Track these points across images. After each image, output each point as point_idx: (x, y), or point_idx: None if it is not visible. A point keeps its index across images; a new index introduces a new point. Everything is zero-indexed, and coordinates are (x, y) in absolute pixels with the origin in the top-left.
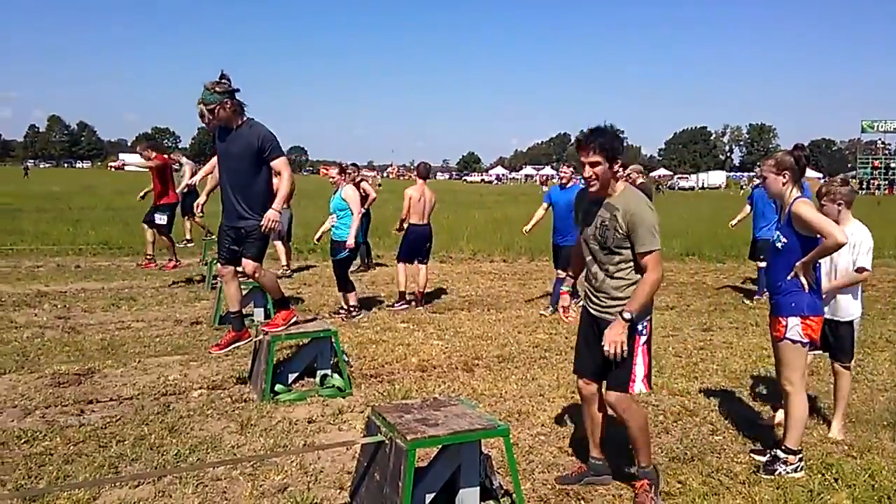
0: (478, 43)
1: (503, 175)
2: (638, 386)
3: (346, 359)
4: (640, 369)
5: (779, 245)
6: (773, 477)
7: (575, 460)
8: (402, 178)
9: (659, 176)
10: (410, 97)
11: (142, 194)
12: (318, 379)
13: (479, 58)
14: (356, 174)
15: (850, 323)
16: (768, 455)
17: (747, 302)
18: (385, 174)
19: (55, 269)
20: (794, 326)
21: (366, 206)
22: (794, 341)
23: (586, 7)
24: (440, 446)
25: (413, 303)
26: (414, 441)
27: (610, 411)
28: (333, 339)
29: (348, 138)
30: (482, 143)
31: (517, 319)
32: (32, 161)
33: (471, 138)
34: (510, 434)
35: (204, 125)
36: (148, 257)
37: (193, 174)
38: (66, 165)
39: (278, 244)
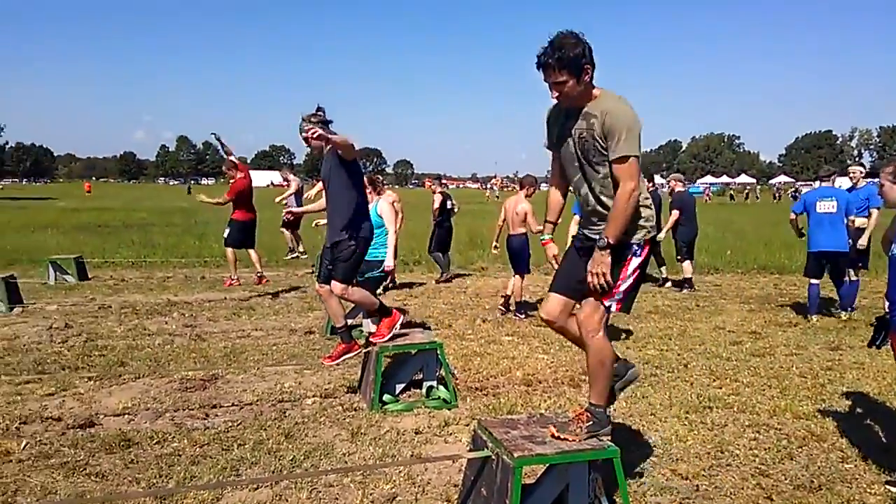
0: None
1: None
2: (610, 302)
3: (452, 371)
4: (622, 286)
5: None
6: None
7: (690, 484)
8: (505, 189)
9: (780, 183)
10: (514, 108)
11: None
12: (424, 390)
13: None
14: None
15: None
16: None
17: None
18: (489, 186)
19: (183, 279)
20: None
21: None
22: None
23: (695, 7)
24: (547, 464)
25: (505, 311)
26: (521, 458)
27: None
28: (439, 352)
29: (453, 151)
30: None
31: (625, 334)
32: (164, 178)
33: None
34: (620, 455)
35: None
36: (258, 274)
37: (298, 190)
38: (192, 182)
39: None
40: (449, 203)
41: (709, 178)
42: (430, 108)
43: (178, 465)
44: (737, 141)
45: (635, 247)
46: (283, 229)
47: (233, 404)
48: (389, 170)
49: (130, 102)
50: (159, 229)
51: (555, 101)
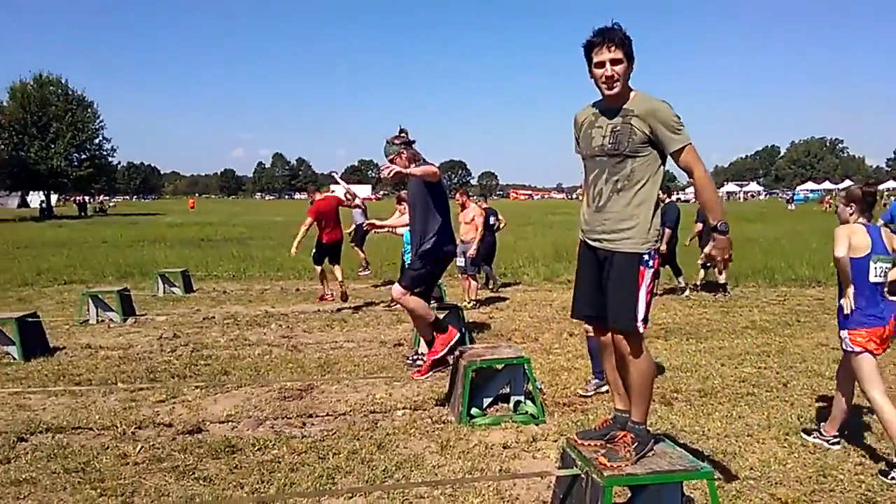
0: (674, 52)
1: None
2: (639, 323)
3: (539, 386)
4: (642, 306)
5: None
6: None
7: None
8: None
9: (890, 189)
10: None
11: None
12: (511, 405)
13: (676, 66)
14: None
15: None
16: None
17: None
18: (574, 196)
19: (279, 292)
20: (844, 339)
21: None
22: (846, 351)
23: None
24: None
25: None
26: (611, 478)
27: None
28: (526, 366)
29: (538, 161)
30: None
31: (720, 350)
32: (260, 193)
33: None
34: (714, 477)
35: None
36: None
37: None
38: (286, 197)
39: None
40: (492, 219)
41: (809, 185)
42: (515, 119)
43: (278, 472)
44: (840, 145)
45: (646, 257)
46: (355, 246)
47: (328, 414)
48: (474, 181)
49: (229, 122)
50: (256, 243)
51: (611, 93)
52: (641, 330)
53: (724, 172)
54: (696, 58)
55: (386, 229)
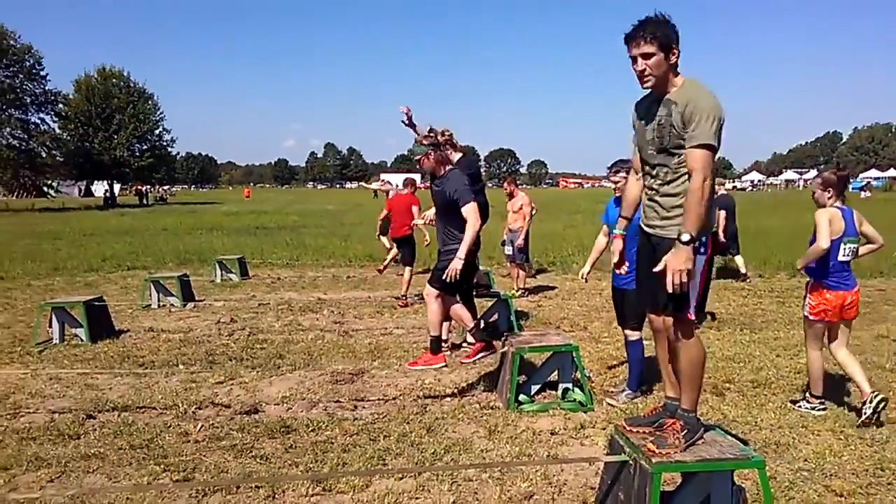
0: (728, 33)
1: (759, 181)
2: (692, 310)
3: (588, 374)
4: (694, 293)
5: None
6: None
7: (845, 501)
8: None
9: None
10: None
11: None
12: (559, 392)
13: (731, 49)
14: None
15: None
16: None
17: None
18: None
19: (331, 279)
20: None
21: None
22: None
23: None
24: (687, 472)
25: None
26: (659, 465)
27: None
28: (574, 354)
29: (588, 149)
30: (734, 145)
31: (775, 341)
32: (312, 182)
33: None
34: (766, 466)
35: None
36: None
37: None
38: (337, 186)
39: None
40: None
41: (873, 172)
42: (566, 105)
43: (331, 452)
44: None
45: (699, 244)
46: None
47: (378, 398)
48: (523, 169)
49: (282, 113)
50: (309, 231)
51: (645, 88)
52: (693, 317)
53: (783, 160)
54: (754, 41)
55: (423, 221)
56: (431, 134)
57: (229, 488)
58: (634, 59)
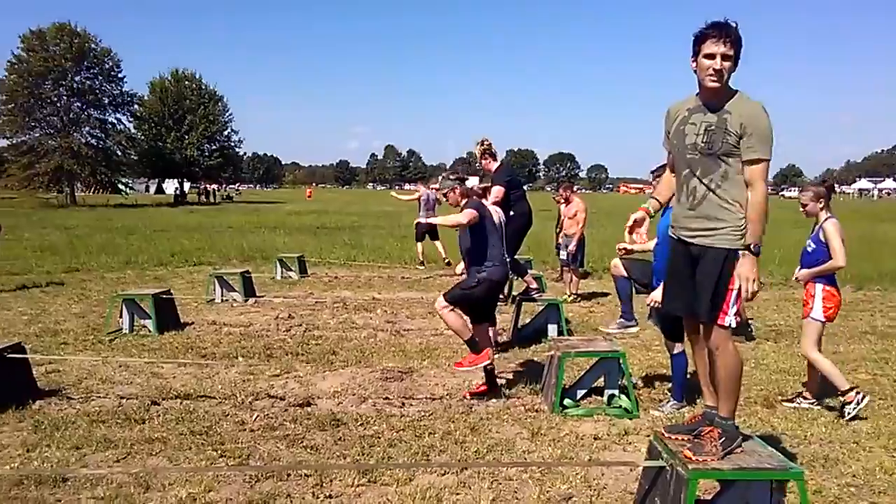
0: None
1: None
2: (729, 319)
3: (634, 381)
4: (733, 300)
5: None
6: None
7: None
8: None
9: None
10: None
11: None
12: (605, 398)
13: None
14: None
15: None
16: None
17: None
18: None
19: (386, 279)
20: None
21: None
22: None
23: None
24: (725, 480)
25: None
26: (696, 471)
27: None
28: (621, 360)
29: (649, 154)
30: (805, 153)
31: (834, 356)
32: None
33: (791, 149)
34: (805, 478)
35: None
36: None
37: (426, 201)
38: (396, 187)
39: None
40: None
41: None
42: (626, 110)
43: (377, 446)
44: None
45: (740, 253)
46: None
47: (425, 396)
48: (583, 174)
49: (346, 116)
50: (367, 231)
51: (710, 87)
52: (730, 324)
53: (856, 168)
54: (828, 47)
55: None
56: (457, 170)
57: (280, 475)
58: (712, 56)
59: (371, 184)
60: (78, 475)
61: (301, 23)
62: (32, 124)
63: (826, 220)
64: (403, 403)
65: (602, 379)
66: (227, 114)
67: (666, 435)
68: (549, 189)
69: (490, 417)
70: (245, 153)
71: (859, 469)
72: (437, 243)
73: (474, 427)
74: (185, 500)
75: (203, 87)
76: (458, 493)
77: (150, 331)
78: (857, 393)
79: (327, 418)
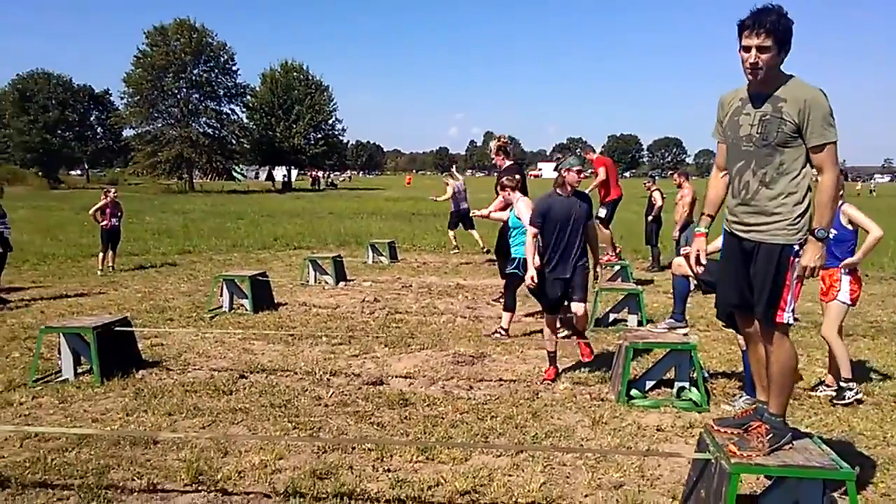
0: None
1: None
2: (787, 315)
3: (706, 374)
4: (791, 296)
5: None
6: None
7: None
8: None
9: None
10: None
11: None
12: (674, 390)
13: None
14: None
15: None
16: None
17: None
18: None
19: (472, 266)
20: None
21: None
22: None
23: None
24: (776, 477)
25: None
26: (738, 465)
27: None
28: (692, 353)
29: None
30: None
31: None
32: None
33: None
34: (856, 479)
35: None
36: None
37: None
38: (495, 174)
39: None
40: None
41: None
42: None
43: (440, 426)
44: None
45: (797, 247)
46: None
47: (494, 381)
48: (690, 160)
49: (446, 102)
50: None
51: (753, 80)
52: (788, 321)
53: None
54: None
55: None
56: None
57: (346, 448)
58: (748, 49)
59: (470, 170)
60: (166, 439)
61: (403, 12)
62: (155, 115)
63: (842, 204)
64: (471, 387)
65: (673, 371)
66: (332, 103)
67: (715, 428)
68: (661, 175)
69: (554, 404)
70: (349, 141)
71: None
72: (474, 232)
73: (536, 412)
74: (258, 466)
75: (310, 77)
76: (510, 475)
77: (246, 309)
78: (857, 385)
79: (397, 397)
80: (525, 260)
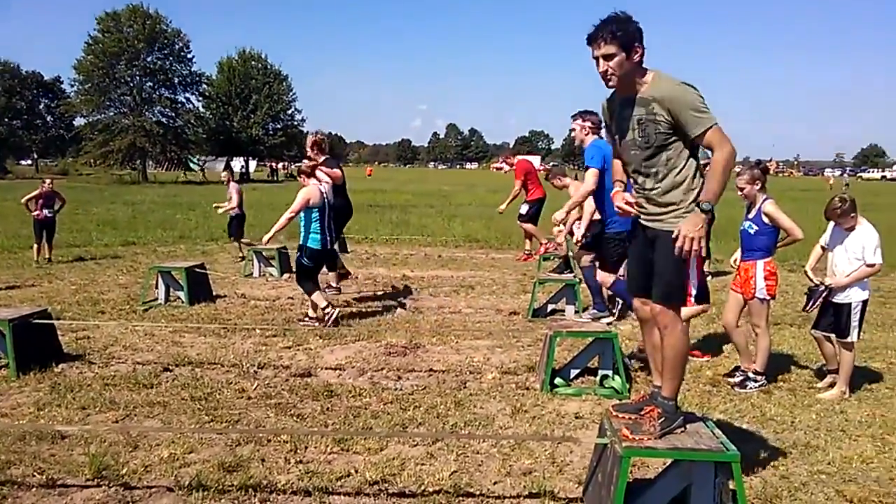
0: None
1: None
2: (694, 292)
3: (628, 362)
4: (685, 282)
5: None
6: None
7: None
8: (781, 174)
9: None
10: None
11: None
12: (598, 378)
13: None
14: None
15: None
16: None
17: None
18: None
19: (423, 257)
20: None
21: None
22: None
23: None
24: (673, 460)
25: None
26: (629, 449)
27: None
28: (614, 342)
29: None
30: (889, 132)
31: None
32: (433, 163)
33: (874, 128)
34: (738, 460)
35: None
36: (526, 251)
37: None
38: (457, 167)
39: None
40: None
41: None
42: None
43: (361, 417)
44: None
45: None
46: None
47: (423, 371)
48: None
49: (410, 93)
50: (418, 210)
51: (610, 88)
52: (683, 306)
53: None
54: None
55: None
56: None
57: (260, 440)
58: (597, 61)
59: (432, 163)
60: (73, 433)
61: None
62: (107, 103)
63: (765, 201)
64: (399, 377)
65: (597, 360)
66: (292, 93)
67: (614, 413)
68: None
69: (480, 394)
70: (308, 132)
71: (837, 457)
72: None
73: (460, 402)
74: (166, 460)
75: (269, 66)
76: (422, 464)
77: (182, 301)
78: (766, 378)
79: (322, 389)
80: (309, 248)
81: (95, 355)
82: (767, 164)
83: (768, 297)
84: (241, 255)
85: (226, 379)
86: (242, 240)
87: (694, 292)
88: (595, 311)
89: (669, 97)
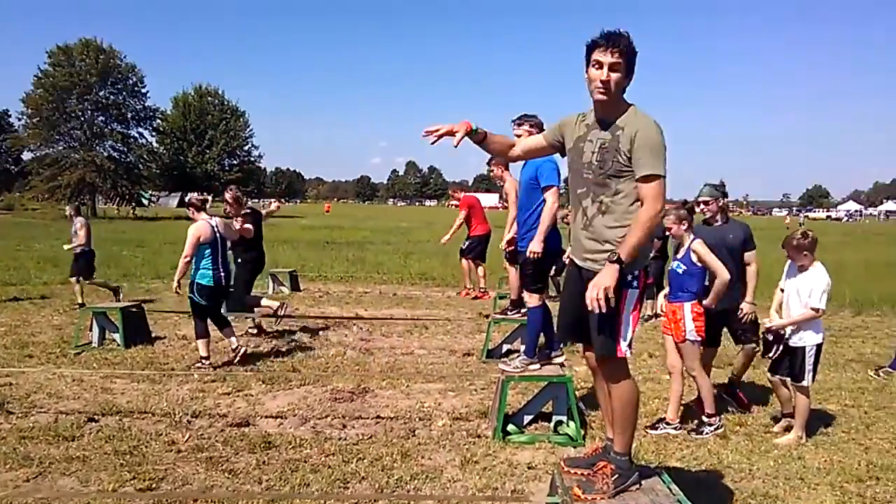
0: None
1: (855, 211)
2: (624, 347)
3: (581, 407)
4: (626, 329)
5: None
6: None
7: None
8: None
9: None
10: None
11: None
12: (552, 424)
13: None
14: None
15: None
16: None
17: None
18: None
19: (377, 295)
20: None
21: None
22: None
23: None
24: None
25: None
26: None
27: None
28: (568, 386)
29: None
30: (832, 174)
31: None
32: (393, 199)
33: (817, 169)
34: None
35: None
36: (480, 289)
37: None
38: (416, 204)
39: None
40: None
41: None
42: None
43: (299, 471)
44: None
45: (630, 278)
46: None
47: (371, 418)
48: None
49: (369, 131)
50: (375, 247)
51: (597, 99)
52: (626, 355)
53: (885, 190)
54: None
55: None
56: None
57: (185, 501)
58: (600, 66)
59: (392, 199)
60: None
61: (326, 39)
62: (56, 137)
63: (693, 241)
64: (345, 425)
65: (550, 405)
66: (249, 129)
67: (565, 469)
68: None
69: (429, 442)
70: (266, 168)
71: None
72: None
73: (407, 453)
74: None
75: (225, 102)
76: None
77: (118, 344)
78: (719, 420)
79: (260, 440)
80: (199, 284)
81: (16, 404)
82: (694, 203)
83: (698, 339)
84: (79, 301)
85: (155, 430)
86: (94, 279)
87: (628, 336)
88: (525, 358)
89: (638, 129)
